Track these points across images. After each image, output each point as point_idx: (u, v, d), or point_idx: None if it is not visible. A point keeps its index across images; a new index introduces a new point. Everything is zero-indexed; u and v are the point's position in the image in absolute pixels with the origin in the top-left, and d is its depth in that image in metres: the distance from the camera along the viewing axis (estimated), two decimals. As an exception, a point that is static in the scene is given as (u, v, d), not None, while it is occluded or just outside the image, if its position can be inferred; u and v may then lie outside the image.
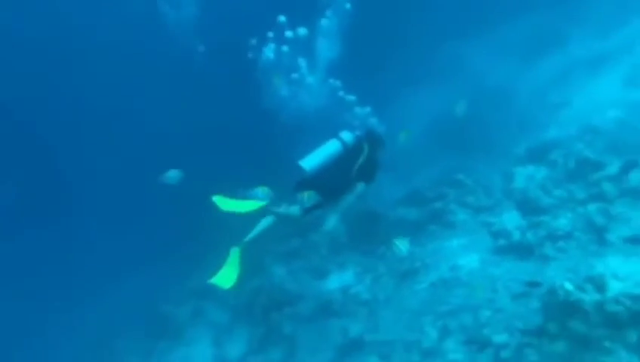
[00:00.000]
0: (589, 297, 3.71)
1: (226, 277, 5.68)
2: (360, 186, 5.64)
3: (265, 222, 5.82)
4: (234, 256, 5.77)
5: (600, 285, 3.90)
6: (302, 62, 7.85)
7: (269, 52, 7.71)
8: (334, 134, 5.83)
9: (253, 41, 8.14)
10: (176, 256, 9.76)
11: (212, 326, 7.45)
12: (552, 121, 9.37)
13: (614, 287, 3.85)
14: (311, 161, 5.62)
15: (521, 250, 5.24)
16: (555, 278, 4.60)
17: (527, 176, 6.17)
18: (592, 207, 5.08)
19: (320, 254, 7.24)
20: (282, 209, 5.73)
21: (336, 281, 6.54)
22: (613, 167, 5.44)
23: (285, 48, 7.58)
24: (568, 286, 3.81)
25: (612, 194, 5.12)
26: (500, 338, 4.42)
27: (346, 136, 5.92)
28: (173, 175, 5.54)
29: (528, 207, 5.65)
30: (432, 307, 5.22)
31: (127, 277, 9.83)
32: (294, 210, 5.63)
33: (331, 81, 7.34)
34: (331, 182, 5.61)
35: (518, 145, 8.87)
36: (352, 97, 6.80)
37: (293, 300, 6.52)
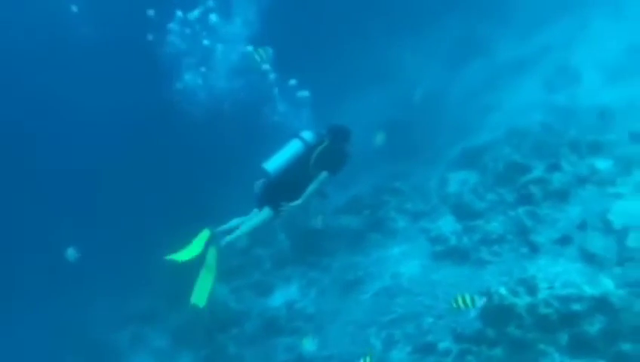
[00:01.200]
0: (522, 301, 3.86)
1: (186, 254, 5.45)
2: (323, 175, 5.69)
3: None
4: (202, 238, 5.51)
5: (531, 287, 4.08)
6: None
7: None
8: (295, 134, 5.86)
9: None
10: (108, 278, 9.31)
11: (153, 353, 7.14)
12: (482, 125, 9.78)
13: (544, 289, 4.03)
14: (274, 163, 5.63)
15: (458, 255, 5.39)
16: (492, 282, 4.78)
17: (460, 181, 6.38)
18: (521, 210, 5.31)
19: (263, 269, 7.12)
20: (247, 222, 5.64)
21: (281, 297, 6.45)
22: (538, 170, 5.72)
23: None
24: (502, 290, 3.96)
25: (538, 196, 5.38)
26: (442, 345, 4.52)
27: (307, 134, 5.98)
28: (71, 252, 5.52)
29: (463, 212, 5.83)
30: (376, 317, 5.25)
31: (55, 303, 9.20)
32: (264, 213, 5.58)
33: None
34: (294, 180, 5.60)
35: (452, 149, 9.19)
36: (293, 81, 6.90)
37: (237, 319, 6.36)
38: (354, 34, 13.66)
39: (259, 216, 5.71)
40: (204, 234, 5.76)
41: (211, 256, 5.66)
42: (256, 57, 5.39)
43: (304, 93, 6.86)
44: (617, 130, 6.36)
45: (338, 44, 13.08)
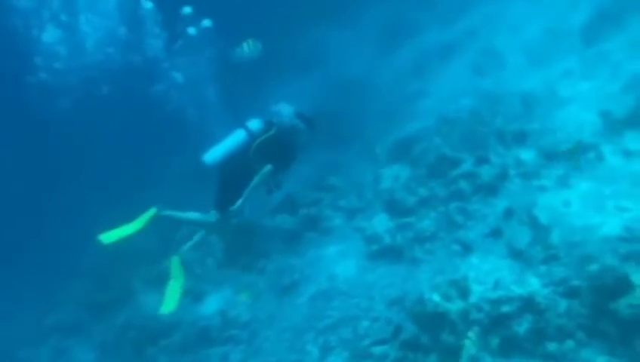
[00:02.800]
0: (455, 306, 3.85)
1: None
2: (266, 168, 5.49)
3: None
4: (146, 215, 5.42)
5: (463, 290, 4.09)
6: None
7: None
8: (241, 123, 5.75)
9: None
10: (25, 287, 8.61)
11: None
12: (413, 112, 9.84)
13: (476, 291, 4.05)
14: (213, 154, 5.52)
15: (393, 254, 5.36)
16: (425, 282, 4.78)
17: (393, 177, 6.33)
18: (452, 206, 5.34)
19: (194, 274, 6.78)
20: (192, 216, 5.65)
21: (213, 304, 6.18)
22: (467, 164, 5.77)
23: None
24: (435, 297, 3.93)
25: (468, 191, 5.43)
26: (379, 349, 4.48)
27: (254, 123, 5.78)
28: None
29: (396, 209, 5.79)
30: (312, 323, 5.14)
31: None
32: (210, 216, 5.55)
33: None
34: (234, 175, 5.53)
35: (384, 139, 9.18)
36: None
37: (167, 330, 6.04)
38: (276, 20, 13.27)
39: (205, 217, 5.55)
40: (150, 212, 5.54)
41: (175, 264, 5.53)
42: (245, 48, 5.13)
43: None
44: (540, 118, 6.55)
45: (261, 29, 12.68)
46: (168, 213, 5.55)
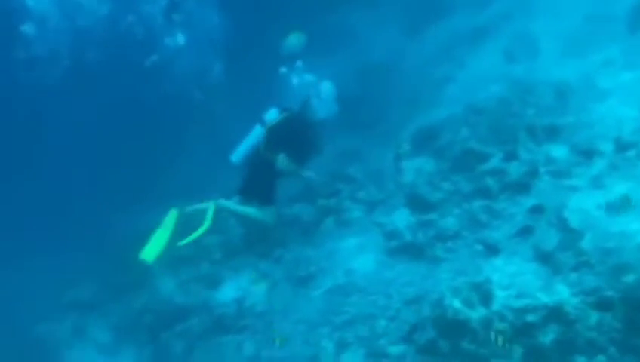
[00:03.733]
0: (476, 314, 3.69)
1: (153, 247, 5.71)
2: (280, 158, 5.53)
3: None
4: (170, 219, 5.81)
5: (485, 295, 3.92)
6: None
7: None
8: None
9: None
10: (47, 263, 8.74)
11: (96, 347, 6.74)
12: (439, 99, 9.52)
13: (499, 297, 3.87)
14: (237, 153, 5.86)
15: (413, 251, 5.19)
16: (446, 282, 4.61)
17: (415, 170, 6.11)
18: (476, 204, 5.12)
19: (212, 259, 6.75)
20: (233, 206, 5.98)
21: (230, 291, 6.13)
22: (495, 159, 5.52)
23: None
24: (456, 303, 3.77)
25: (494, 189, 5.19)
26: (395, 349, 4.36)
27: (271, 113, 5.85)
28: None
29: (418, 204, 5.59)
30: (328, 317, 5.05)
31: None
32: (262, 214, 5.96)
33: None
34: (254, 173, 5.84)
35: (408, 126, 8.92)
36: None
37: (183, 316, 6.03)
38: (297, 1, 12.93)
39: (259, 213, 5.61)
40: (172, 215, 5.74)
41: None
42: (292, 40, 5.19)
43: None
44: (574, 112, 6.21)
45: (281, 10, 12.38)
46: (189, 208, 5.68)
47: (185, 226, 6.07)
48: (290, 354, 4.92)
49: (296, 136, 5.75)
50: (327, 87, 6.34)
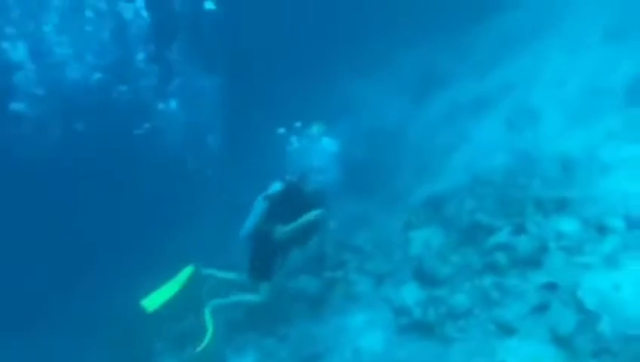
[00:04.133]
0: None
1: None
2: (277, 230, 5.45)
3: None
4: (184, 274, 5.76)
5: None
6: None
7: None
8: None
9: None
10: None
11: None
12: (444, 167, 9.59)
13: (517, 385, 3.68)
14: (245, 229, 5.79)
15: (423, 329, 5.01)
16: (459, 365, 4.41)
17: (423, 242, 6.04)
18: (487, 280, 5.00)
19: (217, 336, 6.51)
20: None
21: (234, 374, 5.88)
22: (503, 233, 5.45)
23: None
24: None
25: (504, 264, 5.08)
26: None
27: (275, 187, 5.87)
28: None
29: (427, 278, 5.46)
30: (336, 403, 4.79)
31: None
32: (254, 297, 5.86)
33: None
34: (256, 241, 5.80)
35: (413, 194, 8.94)
36: None
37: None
38: (308, 67, 13.41)
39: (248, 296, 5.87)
40: (188, 271, 5.66)
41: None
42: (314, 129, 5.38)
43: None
44: (580, 185, 6.20)
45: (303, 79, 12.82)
46: (208, 271, 5.65)
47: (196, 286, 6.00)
48: None
49: (293, 207, 5.74)
50: (328, 143, 6.42)
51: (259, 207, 5.79)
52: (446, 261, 5.53)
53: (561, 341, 4.05)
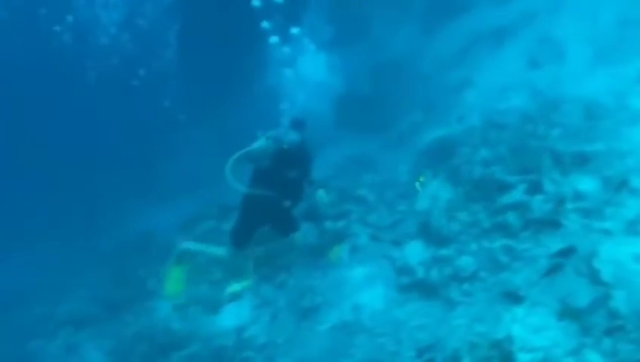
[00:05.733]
0: (497, 386, 3.32)
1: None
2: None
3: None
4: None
5: (507, 358, 3.54)
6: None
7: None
8: None
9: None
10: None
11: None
12: (456, 106, 9.04)
13: (523, 360, 3.50)
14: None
15: (426, 289, 4.81)
16: (462, 331, 4.24)
17: (431, 196, 5.69)
18: (496, 243, 4.71)
19: (212, 279, 6.43)
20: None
21: (230, 318, 5.80)
22: (517, 191, 5.09)
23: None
24: (474, 372, 3.40)
25: (516, 225, 4.77)
26: (404, 406, 4.02)
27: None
28: None
29: (433, 236, 5.19)
30: (332, 359, 4.69)
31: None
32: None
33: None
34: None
35: (422, 135, 8.50)
36: None
37: (180, 344, 5.71)
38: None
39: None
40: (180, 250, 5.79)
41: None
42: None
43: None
44: (604, 137, 5.72)
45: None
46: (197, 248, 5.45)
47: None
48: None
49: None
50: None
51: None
52: (454, 218, 5.22)
53: (571, 314, 3.82)
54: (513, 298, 4.26)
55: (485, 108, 8.25)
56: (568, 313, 3.84)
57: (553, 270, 4.26)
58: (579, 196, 4.81)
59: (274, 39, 7.37)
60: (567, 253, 4.29)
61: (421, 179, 4.72)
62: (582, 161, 5.29)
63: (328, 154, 9.94)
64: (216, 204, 8.19)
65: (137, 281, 7.12)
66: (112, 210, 11.04)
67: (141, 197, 11.39)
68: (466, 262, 4.70)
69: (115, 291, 7.21)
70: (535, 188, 5.04)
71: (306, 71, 7.53)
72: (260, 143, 5.16)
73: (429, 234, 5.22)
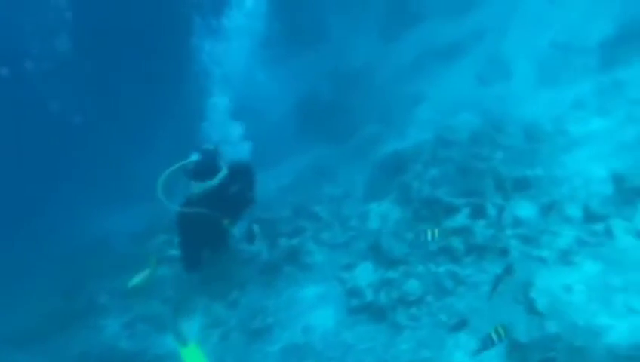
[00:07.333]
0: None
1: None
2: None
3: None
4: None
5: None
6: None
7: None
8: None
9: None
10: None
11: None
12: (411, 119, 9.29)
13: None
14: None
15: (374, 312, 4.95)
16: (407, 355, 4.42)
17: (381, 216, 5.86)
18: (442, 267, 4.92)
19: (164, 297, 6.35)
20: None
21: (180, 337, 5.74)
22: (461, 216, 5.31)
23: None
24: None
25: (460, 250, 4.99)
26: None
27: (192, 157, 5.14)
28: None
29: (382, 257, 5.34)
30: (282, 382, 4.78)
31: None
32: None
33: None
34: None
35: (377, 147, 8.69)
36: None
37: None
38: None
39: None
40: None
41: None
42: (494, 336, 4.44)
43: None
44: (543, 162, 6.06)
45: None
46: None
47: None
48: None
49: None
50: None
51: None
52: (402, 239, 5.40)
53: (509, 342, 4.05)
54: (457, 324, 4.47)
55: (437, 123, 8.53)
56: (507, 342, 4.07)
57: (493, 300, 4.50)
58: (518, 222, 5.08)
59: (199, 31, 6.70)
60: (506, 279, 4.53)
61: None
62: (522, 186, 5.58)
63: (288, 161, 10.04)
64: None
65: (87, 295, 6.92)
66: (64, 211, 10.63)
67: (97, 199, 11.01)
68: (413, 285, 4.87)
69: (63, 304, 6.98)
70: (478, 212, 5.28)
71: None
72: (194, 157, 5.00)
73: (379, 254, 5.37)
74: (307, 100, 11.21)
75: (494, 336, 3.41)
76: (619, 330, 3.71)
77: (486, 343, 3.47)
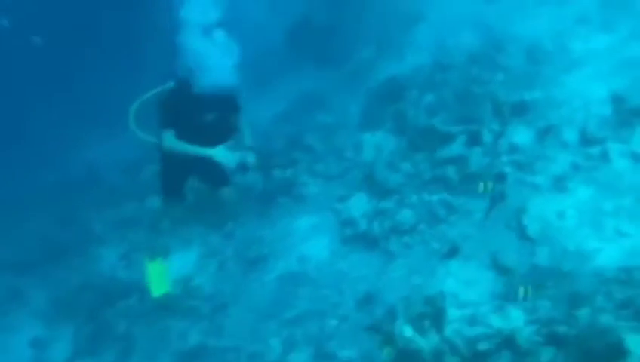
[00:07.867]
0: (428, 343, 3.58)
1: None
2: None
3: None
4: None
5: (439, 314, 3.80)
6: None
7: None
8: None
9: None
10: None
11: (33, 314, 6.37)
12: (408, 42, 8.89)
13: (453, 317, 3.76)
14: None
15: (368, 241, 4.99)
16: (399, 283, 4.49)
17: (375, 146, 5.73)
18: (435, 197, 4.87)
19: (159, 226, 6.36)
20: None
21: (177, 267, 5.83)
22: (457, 144, 5.19)
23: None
24: (407, 331, 3.64)
25: (454, 179, 4.93)
26: (345, 353, 4.30)
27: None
28: None
29: (376, 188, 5.29)
30: (277, 309, 4.90)
31: None
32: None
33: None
34: None
35: (373, 72, 8.41)
36: None
37: (125, 293, 5.75)
38: None
39: None
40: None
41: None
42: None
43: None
44: (543, 83, 5.84)
45: None
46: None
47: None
48: (236, 346, 4.81)
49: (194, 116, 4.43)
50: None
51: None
52: (396, 169, 5.31)
53: (500, 269, 4.09)
54: (448, 251, 4.50)
55: (436, 45, 8.18)
56: (497, 268, 4.11)
57: (485, 225, 4.50)
58: (514, 149, 4.97)
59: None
60: (497, 213, 4.51)
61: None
62: (520, 111, 5.40)
63: (282, 88, 9.75)
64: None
65: (83, 224, 6.97)
66: (54, 139, 10.49)
67: (82, 126, 10.81)
68: (406, 215, 4.86)
69: (60, 233, 7.04)
70: (474, 139, 5.15)
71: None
72: (168, 85, 4.48)
73: (373, 185, 5.31)
74: (299, 23, 10.69)
75: (521, 292, 3.42)
76: (607, 254, 3.72)
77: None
